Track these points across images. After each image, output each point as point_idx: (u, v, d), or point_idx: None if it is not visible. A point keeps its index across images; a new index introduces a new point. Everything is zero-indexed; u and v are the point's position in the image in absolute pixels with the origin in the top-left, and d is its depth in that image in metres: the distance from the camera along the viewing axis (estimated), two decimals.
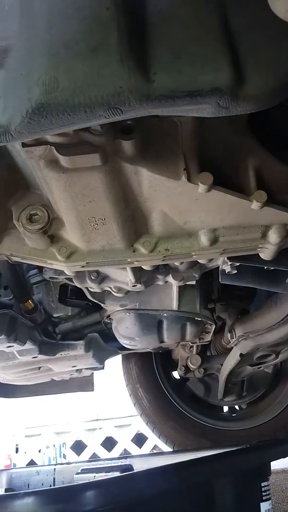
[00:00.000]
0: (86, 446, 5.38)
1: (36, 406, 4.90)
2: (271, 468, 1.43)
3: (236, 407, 2.66)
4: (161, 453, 2.76)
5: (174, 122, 0.74)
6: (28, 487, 2.06)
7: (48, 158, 0.73)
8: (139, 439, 5.23)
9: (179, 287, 1.41)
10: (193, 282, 1.28)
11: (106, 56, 0.55)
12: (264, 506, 1.33)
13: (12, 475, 2.12)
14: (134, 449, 5.21)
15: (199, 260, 1.00)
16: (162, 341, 1.72)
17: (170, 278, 1.21)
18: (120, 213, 0.82)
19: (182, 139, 0.76)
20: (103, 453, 5.25)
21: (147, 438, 5.09)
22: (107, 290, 1.30)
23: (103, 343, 1.80)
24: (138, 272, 1.12)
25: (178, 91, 0.56)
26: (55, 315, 1.67)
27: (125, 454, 4.93)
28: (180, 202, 0.81)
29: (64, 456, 5.25)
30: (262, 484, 1.35)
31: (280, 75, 0.58)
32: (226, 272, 1.14)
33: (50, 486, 2.05)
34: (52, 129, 0.60)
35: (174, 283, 1.25)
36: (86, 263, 0.94)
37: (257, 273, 1.17)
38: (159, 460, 2.03)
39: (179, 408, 2.49)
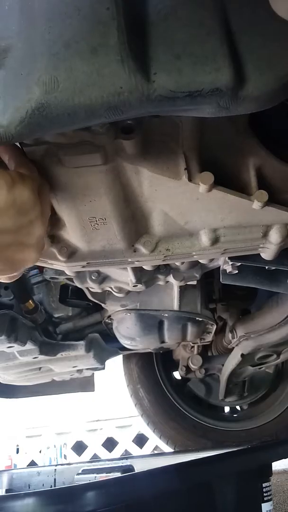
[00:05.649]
0: (87, 446, 5.37)
1: (37, 406, 4.89)
2: (273, 468, 1.43)
3: (237, 407, 2.66)
4: (162, 454, 2.76)
5: (174, 122, 0.74)
6: (29, 487, 2.06)
7: (48, 158, 0.73)
8: (140, 440, 5.22)
9: (180, 287, 1.41)
10: (194, 282, 1.27)
11: (106, 56, 0.55)
12: (266, 507, 1.33)
13: (13, 475, 2.12)
14: (135, 450, 5.21)
15: (200, 260, 1.00)
16: (163, 342, 1.71)
17: (171, 278, 1.21)
18: (121, 213, 0.82)
19: (183, 139, 0.75)
20: (104, 453, 5.25)
21: (148, 438, 5.08)
22: (108, 290, 1.30)
23: (104, 343, 1.80)
24: (139, 272, 1.12)
25: (178, 91, 0.56)
26: (55, 315, 1.67)
27: (126, 455, 4.93)
28: (181, 202, 0.81)
29: (65, 457, 5.24)
30: (264, 485, 1.35)
31: (281, 75, 0.57)
32: (227, 272, 1.14)
33: (51, 486, 2.05)
34: (52, 129, 0.60)
35: (175, 283, 1.25)
36: (87, 263, 0.94)
37: (258, 273, 1.17)
38: (160, 461, 2.03)
39: (180, 408, 2.49)
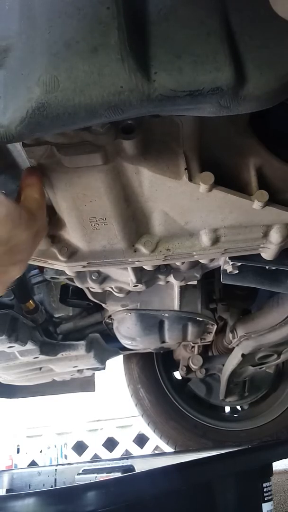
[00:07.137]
0: (88, 446, 5.37)
1: (38, 406, 4.90)
2: (273, 468, 1.43)
3: (238, 407, 2.66)
4: (163, 454, 2.76)
5: (175, 121, 0.74)
6: (30, 487, 2.06)
7: (48, 158, 0.73)
8: (141, 440, 5.22)
9: (181, 287, 1.41)
10: (195, 282, 1.27)
11: (107, 56, 0.55)
12: (266, 507, 1.33)
13: (14, 475, 2.12)
14: (135, 450, 5.21)
15: (200, 260, 1.00)
16: (163, 342, 1.72)
17: (171, 278, 1.21)
18: (121, 213, 0.82)
19: (183, 139, 0.75)
20: (104, 453, 5.25)
21: (149, 438, 5.08)
22: (108, 290, 1.30)
23: (104, 343, 1.80)
24: (139, 272, 1.12)
25: (178, 91, 0.56)
26: (56, 315, 1.67)
27: (127, 455, 4.93)
28: (181, 202, 0.81)
29: (66, 457, 5.24)
30: (264, 485, 1.35)
31: (281, 74, 0.57)
32: (228, 272, 1.14)
33: (52, 486, 2.05)
34: (52, 129, 0.60)
35: (175, 283, 1.25)
36: (87, 263, 0.94)
37: (259, 273, 1.17)
38: (161, 461, 2.03)
39: (181, 408, 2.49)
